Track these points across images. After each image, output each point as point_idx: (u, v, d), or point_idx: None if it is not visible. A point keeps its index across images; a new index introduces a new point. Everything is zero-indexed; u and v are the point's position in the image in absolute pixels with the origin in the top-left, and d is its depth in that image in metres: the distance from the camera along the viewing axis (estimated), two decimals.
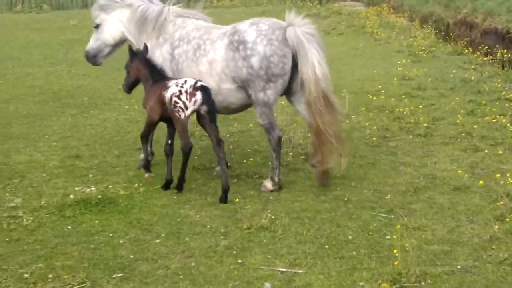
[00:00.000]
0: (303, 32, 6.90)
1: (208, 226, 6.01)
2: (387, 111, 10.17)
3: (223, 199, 6.64)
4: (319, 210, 6.38)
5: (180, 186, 6.97)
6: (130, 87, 7.54)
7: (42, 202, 6.59)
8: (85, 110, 10.84)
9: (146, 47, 7.35)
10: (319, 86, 6.75)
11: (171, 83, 6.82)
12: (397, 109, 10.19)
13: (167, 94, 6.75)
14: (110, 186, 7.06)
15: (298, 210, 6.38)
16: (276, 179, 7.03)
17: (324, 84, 6.81)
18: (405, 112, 9.91)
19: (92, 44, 8.09)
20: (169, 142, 7.11)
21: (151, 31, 7.62)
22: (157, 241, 5.72)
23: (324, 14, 25.19)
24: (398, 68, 13.59)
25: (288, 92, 7.21)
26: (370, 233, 5.84)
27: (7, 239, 5.76)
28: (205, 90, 6.71)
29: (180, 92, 6.67)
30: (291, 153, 8.07)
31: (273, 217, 6.15)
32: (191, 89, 6.66)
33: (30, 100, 11.54)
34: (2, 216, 6.24)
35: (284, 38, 6.86)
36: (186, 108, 6.67)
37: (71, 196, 6.72)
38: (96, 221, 6.13)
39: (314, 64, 6.78)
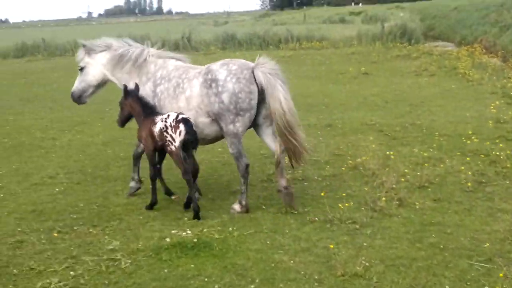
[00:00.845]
0: (269, 71, 7.81)
1: (302, 272, 5.99)
2: (482, 155, 9.91)
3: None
4: (415, 258, 6.24)
5: (195, 213, 7.68)
6: (123, 122, 8.39)
7: (140, 245, 6.76)
8: None
9: (137, 86, 8.17)
10: (285, 118, 7.72)
11: (158, 119, 7.75)
12: (492, 153, 9.90)
13: (156, 129, 7.70)
14: (205, 230, 7.17)
15: (393, 258, 6.27)
16: (243, 202, 7.91)
17: (290, 116, 7.76)
18: (501, 156, 9.63)
19: (77, 85, 8.91)
20: (158, 166, 8.13)
21: (131, 71, 8.50)
22: (252, 286, 5.75)
23: (415, 55, 25.00)
24: (492, 110, 13.24)
25: (254, 124, 8.10)
26: (468, 283, 5.67)
27: (106, 281, 5.94)
28: (186, 122, 7.58)
29: (166, 126, 7.57)
30: (384, 198, 7.96)
31: (367, 264, 6.06)
32: (174, 123, 7.55)
33: (127, 143, 11.94)
34: (102, 259, 6.43)
35: (251, 77, 7.79)
36: (174, 141, 7.57)
37: (167, 240, 6.87)
38: (192, 265, 6.22)
39: (281, 100, 7.71)
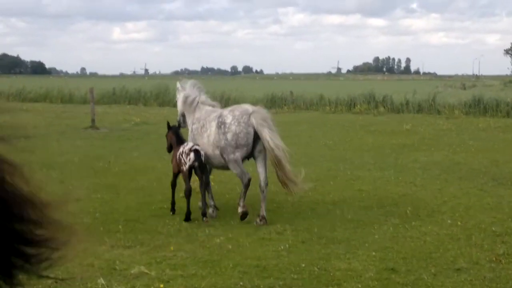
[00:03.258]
0: (261, 118, 10.53)
1: None
2: None
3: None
4: None
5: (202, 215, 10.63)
6: (169, 149, 11.55)
7: None
8: (407, 221, 10.79)
9: (179, 124, 11.68)
10: (274, 153, 10.37)
11: (181, 147, 10.71)
12: None
13: (177, 153, 10.63)
14: None
15: None
16: (241, 204, 10.46)
17: (278, 151, 10.36)
18: None
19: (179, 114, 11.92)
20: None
21: (189, 111, 11.49)
22: None
23: None
24: None
25: (252, 155, 10.78)
26: None
27: None
28: (196, 152, 10.47)
29: (182, 152, 10.52)
30: None
31: None
32: (187, 151, 10.50)
33: (356, 205, 11.91)
34: None
35: (249, 120, 10.48)
36: (185, 164, 10.44)
37: None
38: None
39: (268, 140, 10.36)
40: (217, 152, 10.62)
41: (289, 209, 11.55)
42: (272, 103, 40.10)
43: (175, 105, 40.52)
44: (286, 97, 40.54)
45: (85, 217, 10.56)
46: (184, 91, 11.64)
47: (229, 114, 10.60)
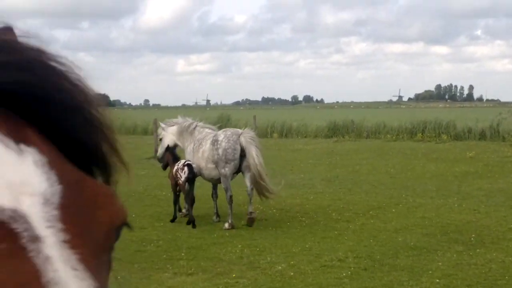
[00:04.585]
0: (249, 138, 12.64)
1: None
2: None
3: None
4: None
5: (192, 223, 12.43)
6: (164, 167, 13.68)
7: None
8: (471, 248, 10.60)
9: (174, 147, 13.74)
10: (256, 168, 12.31)
11: (176, 164, 12.77)
12: None
13: (174, 170, 12.69)
14: None
15: None
16: (230, 221, 12.27)
17: (260, 167, 12.37)
18: None
19: (160, 150, 14.38)
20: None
21: (186, 136, 13.63)
22: None
23: None
24: None
25: (240, 171, 12.76)
26: None
27: None
28: (189, 166, 12.53)
29: (177, 168, 12.59)
30: None
31: None
32: (181, 166, 12.52)
33: (419, 232, 11.77)
34: None
35: (237, 140, 12.56)
36: (181, 177, 12.43)
37: None
38: None
39: (254, 157, 12.36)
40: (209, 165, 12.76)
41: (351, 236, 11.49)
42: (333, 131, 40.09)
43: None
44: (348, 125, 40.43)
45: (148, 244, 10.79)
46: (176, 124, 13.98)
47: (222, 133, 12.93)
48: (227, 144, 12.50)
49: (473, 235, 11.42)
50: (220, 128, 14.34)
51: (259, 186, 12.55)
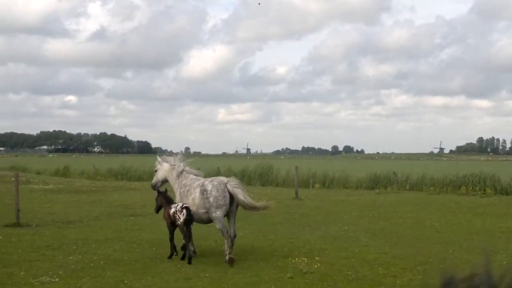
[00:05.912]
0: (234, 185, 14.57)
1: None
2: None
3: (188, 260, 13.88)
4: None
5: (189, 259, 13.92)
6: (157, 210, 15.43)
7: None
8: None
9: (166, 190, 15.36)
10: (245, 202, 14.56)
11: (173, 206, 14.40)
12: None
13: (171, 212, 14.28)
14: None
15: None
16: (229, 251, 13.86)
17: (248, 201, 14.62)
18: None
19: (154, 180, 16.24)
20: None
21: (174, 178, 15.49)
22: None
23: None
24: None
25: (228, 212, 14.43)
26: None
27: None
28: (187, 208, 14.12)
29: (175, 211, 14.14)
30: None
31: None
32: (179, 208, 14.11)
33: None
34: None
35: (225, 188, 14.39)
36: (180, 219, 13.98)
37: None
38: None
39: (242, 198, 14.48)
40: (200, 211, 14.36)
41: None
42: (375, 183, 39.82)
43: (277, 185, 40.89)
44: (389, 177, 40.14)
45: None
46: (168, 162, 15.75)
47: (209, 184, 14.54)
48: (217, 193, 14.29)
49: None
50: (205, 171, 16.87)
51: (253, 211, 15.60)
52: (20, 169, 58.98)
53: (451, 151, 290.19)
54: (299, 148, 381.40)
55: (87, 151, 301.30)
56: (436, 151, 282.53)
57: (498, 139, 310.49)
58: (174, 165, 15.54)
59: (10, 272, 12.57)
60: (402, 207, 27.08)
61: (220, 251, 15.30)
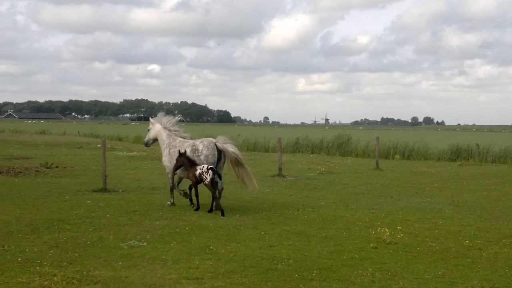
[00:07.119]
0: (223, 141, 16.82)
1: None
2: None
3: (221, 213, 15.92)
4: None
5: (221, 212, 15.95)
6: (175, 169, 16.77)
7: None
8: None
9: (185, 151, 16.52)
10: (237, 158, 16.81)
11: (198, 168, 16.09)
12: None
13: (197, 173, 16.07)
14: None
15: None
16: (215, 203, 16.15)
17: (239, 157, 16.82)
18: None
19: (146, 137, 18.66)
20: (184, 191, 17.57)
21: (163, 136, 17.79)
22: None
23: None
24: None
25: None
26: None
27: None
28: (213, 169, 15.93)
29: (201, 172, 15.94)
30: None
31: None
32: (206, 170, 15.91)
33: None
34: None
35: (214, 146, 16.67)
36: (207, 178, 15.84)
37: None
38: None
39: (232, 150, 16.71)
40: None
41: (485, 265, 11.11)
42: (456, 155, 39.09)
43: (357, 155, 40.71)
44: (472, 149, 39.26)
45: (279, 263, 10.96)
46: (159, 123, 17.90)
47: (200, 144, 16.84)
48: (208, 151, 16.65)
49: None
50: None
51: (239, 171, 17.01)
52: (107, 137, 60.62)
53: None
54: (378, 119, 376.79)
55: None
56: None
57: None
58: (164, 123, 17.78)
59: (100, 236, 13.05)
60: (486, 179, 26.49)
61: (303, 219, 15.47)
